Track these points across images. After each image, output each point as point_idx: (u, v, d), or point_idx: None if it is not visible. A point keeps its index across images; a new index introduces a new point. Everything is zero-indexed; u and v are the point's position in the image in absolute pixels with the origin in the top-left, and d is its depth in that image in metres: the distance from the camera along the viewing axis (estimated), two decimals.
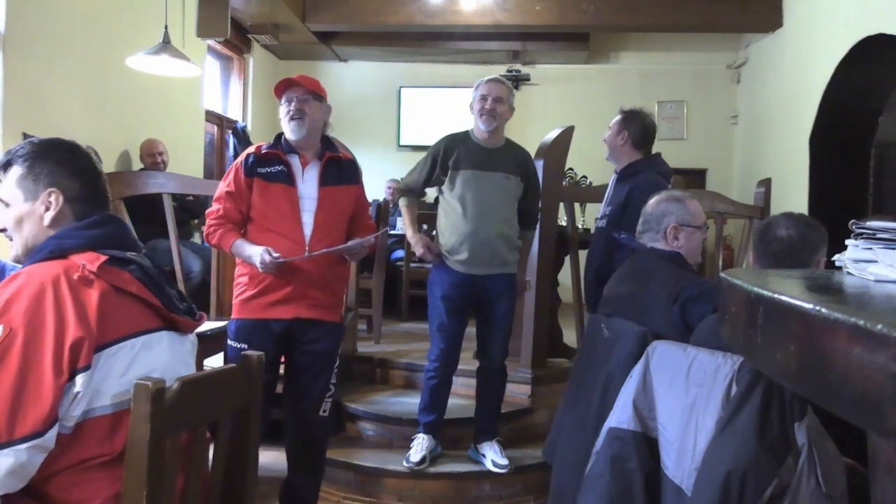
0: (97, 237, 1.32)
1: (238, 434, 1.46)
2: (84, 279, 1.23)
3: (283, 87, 2.40)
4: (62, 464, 1.19)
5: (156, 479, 1.20)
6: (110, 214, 1.40)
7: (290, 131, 2.35)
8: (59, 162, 1.37)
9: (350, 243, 2.35)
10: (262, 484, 2.31)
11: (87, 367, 1.18)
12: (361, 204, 2.51)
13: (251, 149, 2.42)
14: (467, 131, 2.87)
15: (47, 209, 1.35)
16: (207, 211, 2.40)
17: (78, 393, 1.18)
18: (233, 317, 2.38)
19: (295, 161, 2.37)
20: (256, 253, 2.24)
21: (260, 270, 2.26)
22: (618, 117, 2.88)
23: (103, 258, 1.28)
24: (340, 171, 2.43)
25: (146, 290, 1.31)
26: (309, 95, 2.37)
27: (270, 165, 2.35)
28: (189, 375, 1.32)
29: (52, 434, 1.15)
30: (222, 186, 2.37)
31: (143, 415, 1.17)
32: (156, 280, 1.35)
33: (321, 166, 2.38)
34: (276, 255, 2.22)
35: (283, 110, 2.37)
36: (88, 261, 1.26)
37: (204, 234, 2.40)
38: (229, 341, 2.37)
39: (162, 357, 1.33)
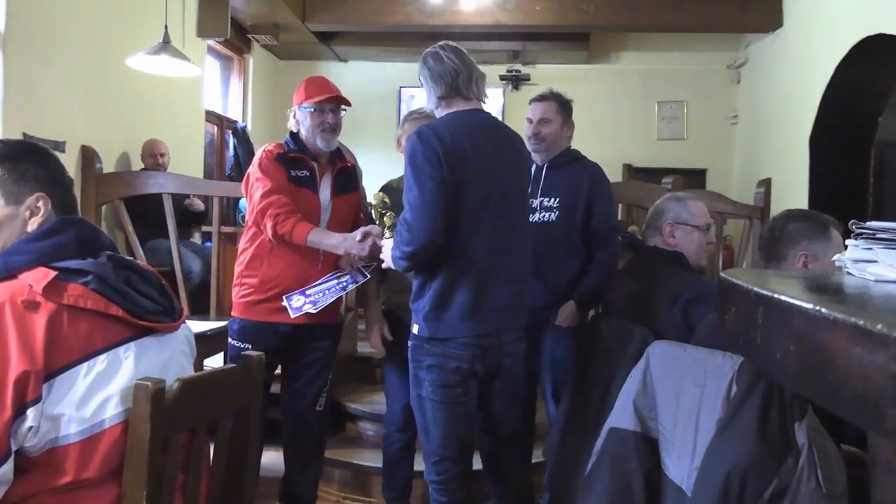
0: (46, 249, 1.23)
1: (238, 434, 1.46)
2: (29, 303, 1.15)
3: (320, 93, 2.30)
4: (45, 486, 1.16)
5: (156, 479, 1.20)
6: (67, 218, 1.30)
7: (322, 141, 2.30)
8: (41, 165, 1.30)
9: (352, 284, 2.32)
10: (261, 484, 2.31)
11: (37, 400, 1.12)
12: (360, 208, 2.51)
13: (275, 147, 2.31)
14: None
15: (32, 214, 1.28)
16: (265, 202, 2.20)
17: (31, 427, 1.12)
18: (236, 316, 2.33)
19: (316, 167, 2.34)
20: (343, 240, 2.19)
21: (348, 254, 2.22)
22: (552, 105, 2.57)
23: (52, 275, 1.19)
24: (347, 179, 2.41)
25: (105, 300, 1.21)
26: (342, 109, 2.34)
27: (299, 169, 2.29)
28: (189, 376, 1.31)
29: (5, 469, 1.11)
30: (267, 182, 2.22)
31: (143, 415, 1.17)
32: (117, 287, 1.24)
33: (333, 175, 2.36)
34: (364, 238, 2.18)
35: (316, 118, 2.28)
36: (36, 279, 1.17)
37: (271, 225, 2.18)
38: (231, 340, 2.33)
39: (129, 371, 1.23)
